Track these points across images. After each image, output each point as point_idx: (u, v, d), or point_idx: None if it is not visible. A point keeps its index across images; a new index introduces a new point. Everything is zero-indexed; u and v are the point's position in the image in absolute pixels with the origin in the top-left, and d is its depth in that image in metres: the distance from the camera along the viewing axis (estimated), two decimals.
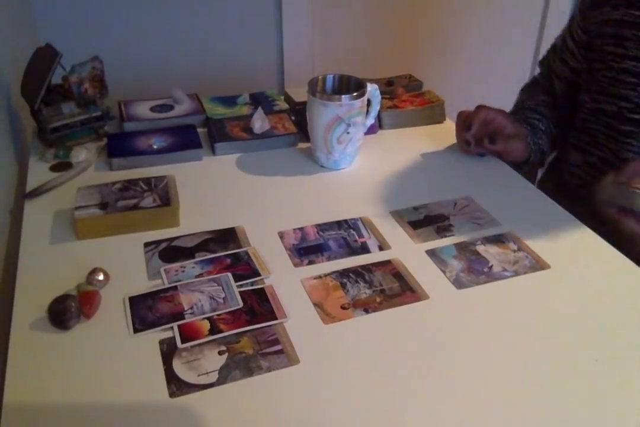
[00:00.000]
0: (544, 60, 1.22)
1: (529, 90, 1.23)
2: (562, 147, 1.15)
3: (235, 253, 0.80)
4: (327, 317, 0.70)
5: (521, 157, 1.05)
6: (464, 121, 1.04)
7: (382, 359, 0.64)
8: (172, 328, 0.67)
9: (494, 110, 1.02)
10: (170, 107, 1.16)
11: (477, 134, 1.02)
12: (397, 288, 0.74)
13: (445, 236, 0.84)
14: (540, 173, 1.23)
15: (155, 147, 1.03)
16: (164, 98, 1.19)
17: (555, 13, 2.04)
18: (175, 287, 0.73)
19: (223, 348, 0.65)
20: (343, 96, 0.94)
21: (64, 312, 0.66)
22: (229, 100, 1.21)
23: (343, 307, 0.71)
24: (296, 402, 0.59)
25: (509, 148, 1.03)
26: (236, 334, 0.67)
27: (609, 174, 0.86)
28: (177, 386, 0.61)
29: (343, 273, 0.77)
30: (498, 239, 0.84)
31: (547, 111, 1.13)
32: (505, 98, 1.21)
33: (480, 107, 1.03)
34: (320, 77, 1.01)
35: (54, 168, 0.99)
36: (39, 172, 0.97)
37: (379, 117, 1.13)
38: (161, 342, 0.66)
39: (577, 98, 1.10)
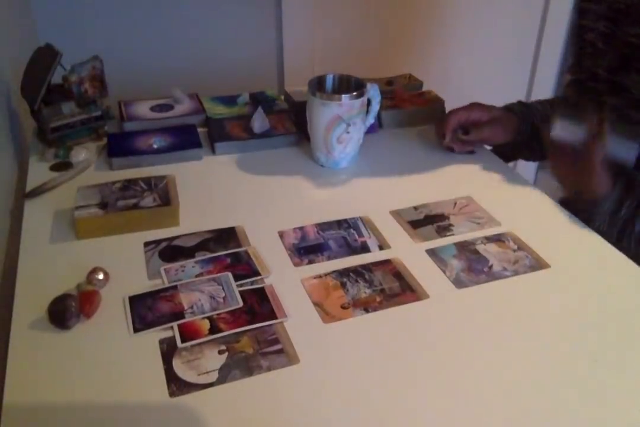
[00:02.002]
0: None
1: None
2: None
3: (235, 253, 0.80)
4: (327, 316, 0.70)
5: (507, 136, 1.05)
6: (440, 131, 1.05)
7: (382, 359, 0.64)
8: (172, 328, 0.67)
9: (464, 110, 1.03)
10: (170, 107, 1.16)
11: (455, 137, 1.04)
12: (397, 288, 0.74)
13: (445, 236, 0.84)
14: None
15: (155, 146, 1.02)
16: (164, 98, 1.18)
17: (555, 13, 2.04)
18: (175, 287, 0.73)
19: (223, 347, 0.65)
20: (343, 96, 0.94)
21: (64, 312, 0.66)
22: (229, 100, 1.21)
23: (343, 307, 0.71)
24: (296, 402, 0.59)
25: (488, 133, 1.03)
26: (236, 333, 0.67)
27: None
28: (177, 385, 0.61)
29: (343, 273, 0.77)
30: (498, 239, 0.84)
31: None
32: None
33: (450, 114, 1.04)
34: (320, 77, 1.01)
35: (54, 168, 0.98)
36: (39, 172, 0.97)
37: (379, 117, 1.13)
38: (161, 342, 0.66)
39: None
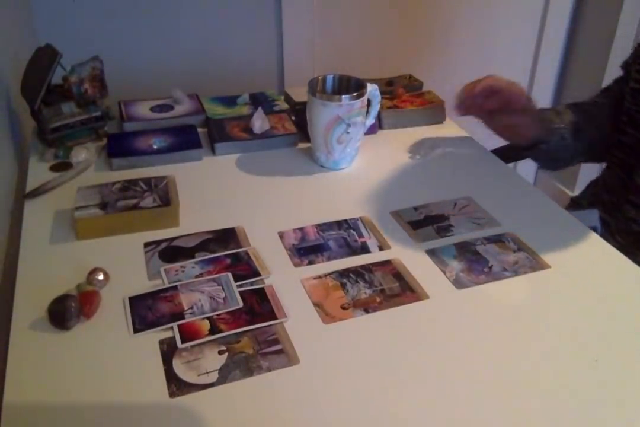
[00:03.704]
0: (625, 64, 1.07)
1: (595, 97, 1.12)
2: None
3: (235, 253, 0.80)
4: (327, 317, 0.70)
5: (533, 136, 0.99)
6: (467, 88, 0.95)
7: (382, 359, 0.64)
8: (172, 328, 0.67)
9: (506, 81, 0.93)
10: (170, 107, 1.16)
11: (484, 104, 0.94)
12: (397, 288, 0.74)
13: (445, 236, 0.84)
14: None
15: (155, 147, 1.02)
16: (164, 98, 1.18)
17: (555, 13, 2.04)
18: (175, 287, 0.73)
19: (223, 348, 0.65)
20: (343, 96, 0.94)
21: (64, 312, 0.66)
22: (229, 100, 1.21)
23: (343, 307, 0.71)
24: (296, 402, 0.59)
25: (523, 121, 0.96)
26: (236, 334, 0.67)
27: None
28: (177, 386, 0.61)
29: (343, 273, 0.77)
30: (498, 239, 0.84)
31: (588, 113, 1.05)
32: None
33: (489, 77, 0.93)
34: (320, 77, 1.01)
35: (54, 168, 0.98)
36: (39, 172, 0.97)
37: (379, 117, 1.13)
38: (161, 342, 0.66)
39: None
